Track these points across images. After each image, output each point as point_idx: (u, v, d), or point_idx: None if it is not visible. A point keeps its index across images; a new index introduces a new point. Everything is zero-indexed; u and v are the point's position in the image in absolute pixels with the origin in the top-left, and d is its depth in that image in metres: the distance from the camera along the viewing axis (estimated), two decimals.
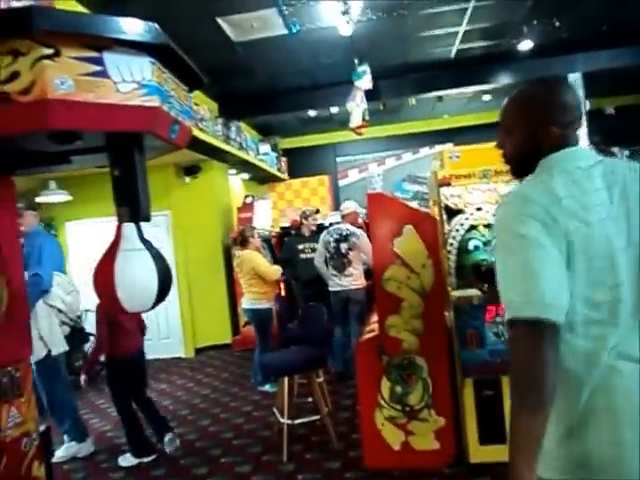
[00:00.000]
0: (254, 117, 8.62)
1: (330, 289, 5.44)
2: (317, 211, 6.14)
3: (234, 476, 3.59)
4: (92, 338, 6.79)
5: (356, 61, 6.32)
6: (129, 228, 1.69)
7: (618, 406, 1.13)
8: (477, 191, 3.46)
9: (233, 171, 8.54)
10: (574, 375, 1.15)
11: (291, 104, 7.87)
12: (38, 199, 6.70)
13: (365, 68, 6.31)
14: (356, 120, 6.38)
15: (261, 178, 9.95)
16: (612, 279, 1.14)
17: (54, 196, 6.78)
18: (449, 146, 7.48)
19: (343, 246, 5.31)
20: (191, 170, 7.50)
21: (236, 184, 8.99)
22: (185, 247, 7.59)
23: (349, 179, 10.80)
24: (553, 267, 1.11)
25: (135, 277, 1.66)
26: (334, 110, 8.61)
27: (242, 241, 5.39)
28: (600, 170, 1.21)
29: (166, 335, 7.67)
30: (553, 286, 1.10)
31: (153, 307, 1.73)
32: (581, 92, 6.86)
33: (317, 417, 3.98)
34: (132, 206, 1.69)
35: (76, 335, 6.50)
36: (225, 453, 3.99)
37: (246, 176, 9.34)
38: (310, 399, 4.38)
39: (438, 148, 9.41)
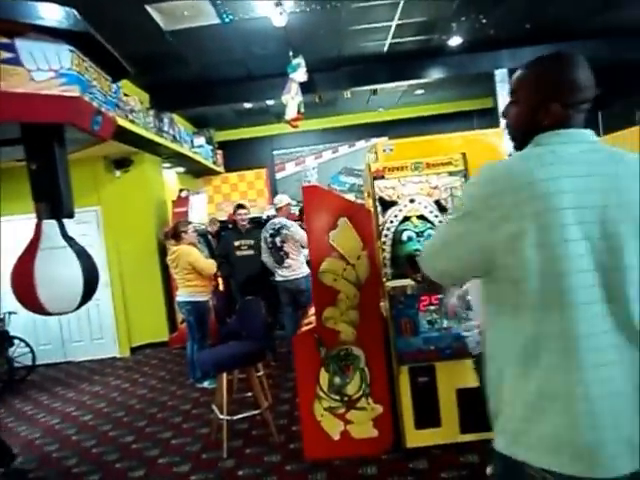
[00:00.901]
0: (188, 109, 8.40)
1: (275, 280, 5.46)
2: (239, 206, 6.06)
3: (172, 476, 3.52)
4: (17, 342, 6.47)
5: (291, 53, 6.29)
6: (50, 225, 1.61)
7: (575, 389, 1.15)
8: (410, 183, 3.54)
9: (167, 164, 8.30)
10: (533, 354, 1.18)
11: (226, 96, 7.74)
12: None
13: (300, 60, 6.29)
14: (291, 112, 6.36)
15: (196, 171, 9.74)
16: (564, 266, 1.14)
17: None
18: (383, 139, 7.60)
19: (277, 239, 5.34)
20: (122, 163, 7.22)
21: (170, 178, 8.75)
22: (117, 243, 7.32)
23: (286, 172, 10.77)
24: (466, 249, 1.25)
25: (58, 276, 1.57)
26: (270, 102, 8.54)
27: (176, 236, 5.27)
28: (590, 157, 1.20)
29: (99, 335, 7.38)
30: (453, 264, 1.31)
31: (79, 307, 1.65)
32: (506, 88, 7.15)
33: (257, 411, 3.97)
34: (53, 202, 1.60)
35: None
36: (163, 454, 3.90)
37: (181, 169, 9.11)
38: (248, 394, 4.35)
39: (373, 141, 9.56)
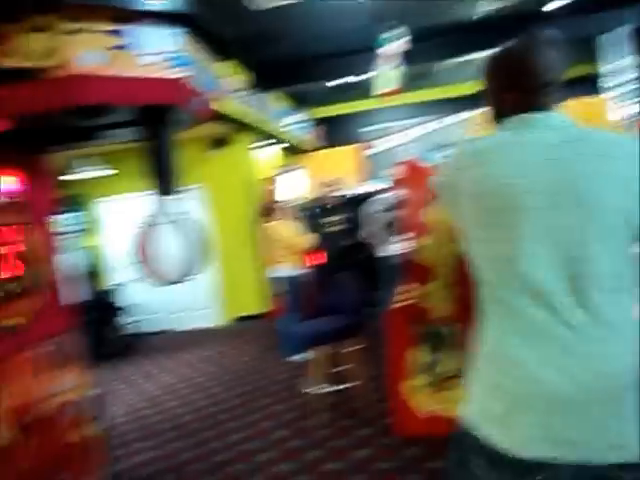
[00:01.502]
0: (284, 87, 8.52)
1: (382, 255, 5.44)
2: (327, 183, 6.09)
3: (270, 441, 3.69)
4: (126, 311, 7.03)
5: (382, 26, 6.15)
6: (162, 201, 1.72)
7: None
8: None
9: (264, 142, 8.52)
10: None
11: (319, 72, 7.75)
12: (75, 176, 6.87)
13: (392, 33, 6.14)
14: (384, 87, 6.25)
15: (292, 149, 9.91)
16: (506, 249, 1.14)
17: (89, 172, 6.93)
18: (477, 112, 7.27)
19: (391, 214, 5.29)
20: (222, 142, 7.51)
21: (268, 155, 8.98)
22: (218, 219, 7.67)
23: (378, 148, 10.65)
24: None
25: (169, 249, 1.69)
26: (364, 77, 8.45)
27: (270, 212, 5.41)
28: (548, 140, 1.16)
29: (200, 306, 7.84)
30: None
31: (187, 278, 1.77)
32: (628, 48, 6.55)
33: (349, 385, 4.04)
34: (163, 180, 1.71)
35: (112, 308, 6.76)
36: (263, 418, 4.11)
37: (277, 147, 9.31)
38: (342, 368, 4.44)
39: (466, 114, 9.19)
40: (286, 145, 9.29)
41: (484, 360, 1.24)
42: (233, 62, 7.00)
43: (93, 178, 7.19)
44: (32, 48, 1.43)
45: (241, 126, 7.14)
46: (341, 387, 4.07)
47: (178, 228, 1.72)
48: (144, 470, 3.49)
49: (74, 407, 2.25)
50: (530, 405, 1.11)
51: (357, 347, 4.39)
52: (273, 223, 5.39)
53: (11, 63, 1.43)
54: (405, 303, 3.42)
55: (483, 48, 7.22)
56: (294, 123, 9.01)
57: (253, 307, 7.76)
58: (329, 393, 4.10)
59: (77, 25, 1.41)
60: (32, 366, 2.03)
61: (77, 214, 7.70)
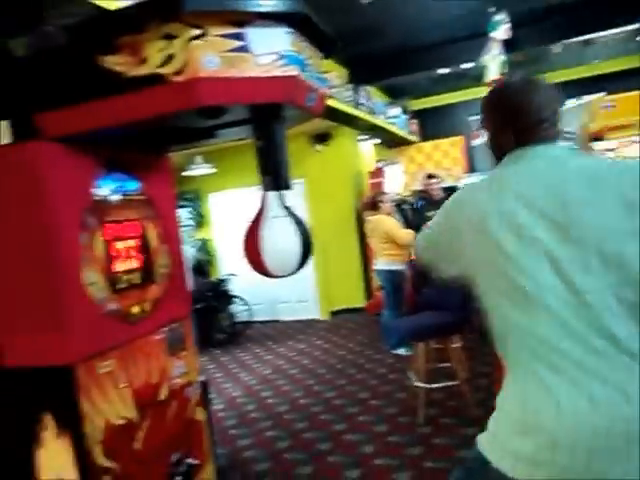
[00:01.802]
0: (383, 80, 8.46)
1: None
2: (430, 176, 5.94)
3: (371, 434, 3.71)
4: (237, 300, 7.37)
5: (491, 10, 5.88)
6: (272, 196, 1.78)
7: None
8: (636, 144, 3.09)
9: (363, 137, 8.53)
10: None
11: (422, 63, 7.60)
12: (185, 173, 7.31)
13: (502, 17, 5.86)
14: (492, 74, 5.98)
15: (391, 142, 9.83)
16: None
17: (199, 170, 7.34)
18: (599, 95, 6.72)
19: None
20: (322, 138, 7.64)
21: (367, 149, 8.99)
22: (319, 213, 7.81)
23: (482, 139, 10.22)
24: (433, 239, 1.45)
25: (279, 243, 1.75)
26: (467, 66, 8.15)
27: (373, 205, 5.41)
28: (538, 170, 1.20)
29: (303, 298, 8.04)
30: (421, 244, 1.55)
31: (296, 271, 1.82)
32: None
33: (454, 383, 3.95)
34: (274, 175, 1.77)
35: (222, 297, 7.12)
36: (362, 412, 4.13)
37: (376, 141, 9.28)
38: (446, 364, 4.34)
39: (586, 98, 8.52)
40: (386, 138, 9.23)
41: (511, 395, 1.23)
42: (334, 57, 7.08)
43: (203, 175, 7.60)
44: (159, 55, 1.53)
45: (343, 120, 7.20)
46: (444, 384, 3.99)
47: (288, 222, 1.76)
48: (241, 455, 3.65)
49: (186, 391, 2.40)
50: (563, 441, 1.05)
51: (462, 344, 4.28)
52: (377, 216, 5.38)
53: (142, 71, 1.54)
54: None
55: (594, 29, 6.71)
56: (394, 116, 8.92)
57: (352, 300, 7.82)
58: (432, 390, 4.04)
59: (198, 31, 1.49)
60: (151, 351, 2.19)
61: (190, 209, 8.20)
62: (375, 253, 5.51)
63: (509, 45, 6.18)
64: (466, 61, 7.77)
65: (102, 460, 1.87)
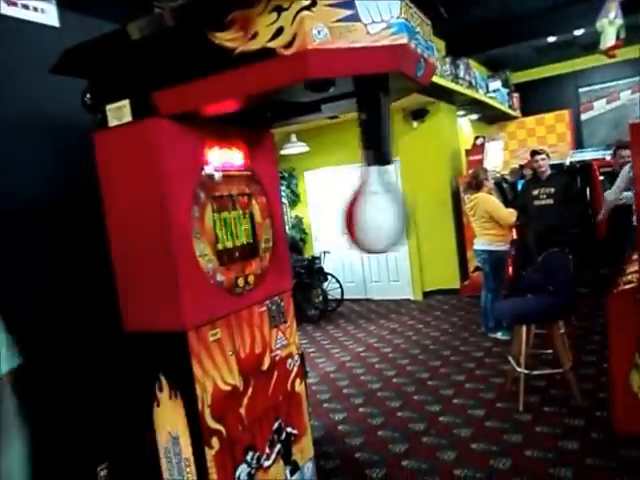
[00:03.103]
0: (483, 52, 8.07)
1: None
2: (536, 152, 5.55)
3: (467, 418, 3.62)
4: (329, 277, 7.46)
5: None
6: (373, 171, 1.75)
7: None
8: None
9: (461, 112, 8.21)
10: None
11: (527, 32, 7.15)
12: (282, 151, 7.44)
13: None
14: (609, 40, 5.47)
15: (491, 117, 9.38)
16: None
17: (294, 148, 7.44)
18: None
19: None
20: (419, 114, 7.43)
21: (464, 125, 8.64)
22: (413, 192, 7.64)
23: (594, 111, 9.45)
24: None
25: (379, 219, 1.72)
26: (577, 32, 7.55)
27: (476, 184, 5.18)
28: None
29: (395, 278, 7.97)
30: None
31: (394, 248, 1.79)
32: None
33: (558, 370, 3.75)
34: (376, 149, 1.73)
35: (316, 274, 7.23)
36: (457, 394, 4.05)
37: (474, 116, 8.91)
38: (547, 351, 4.13)
39: None
40: (486, 113, 8.82)
41: None
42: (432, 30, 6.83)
43: (297, 154, 7.70)
44: (269, 29, 1.53)
45: (440, 95, 6.96)
46: (547, 371, 3.79)
47: (388, 198, 1.73)
48: (335, 429, 3.70)
49: (287, 363, 2.46)
50: None
51: (567, 329, 4.04)
52: (479, 194, 5.16)
53: (252, 46, 1.55)
54: (633, 284, 3.02)
55: None
56: (494, 90, 8.48)
57: (446, 281, 7.63)
58: (533, 376, 3.86)
59: (308, 1, 1.48)
60: (254, 322, 2.26)
61: (284, 187, 8.36)
62: (475, 232, 5.29)
63: (628, 6, 5.61)
64: (576, 27, 7.20)
65: (211, 422, 1.97)
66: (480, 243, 5.20)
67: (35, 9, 2.32)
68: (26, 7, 2.29)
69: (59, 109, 2.30)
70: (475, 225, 5.27)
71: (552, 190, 5.38)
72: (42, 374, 2.19)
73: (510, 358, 3.87)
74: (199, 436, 1.94)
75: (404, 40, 1.55)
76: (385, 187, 1.80)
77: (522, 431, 3.32)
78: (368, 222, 1.75)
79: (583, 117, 9.53)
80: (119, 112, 1.93)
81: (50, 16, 2.38)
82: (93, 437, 2.34)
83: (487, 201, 5.07)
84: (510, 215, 5.04)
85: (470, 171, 6.05)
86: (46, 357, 2.20)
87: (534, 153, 5.58)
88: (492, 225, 5.05)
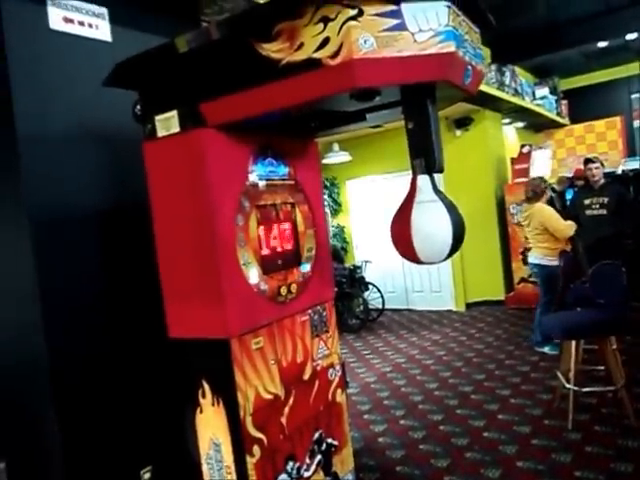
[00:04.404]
0: (530, 58, 7.90)
1: None
2: (589, 160, 5.33)
3: (512, 434, 3.50)
4: (370, 287, 7.41)
5: None
6: (424, 180, 1.72)
7: None
8: None
9: (506, 120, 8.05)
10: None
11: (576, 37, 6.96)
12: (324, 161, 7.46)
13: None
14: None
15: (537, 125, 9.16)
16: None
17: (337, 157, 7.45)
18: None
19: None
20: (462, 122, 7.32)
21: (509, 134, 8.46)
22: (456, 201, 7.51)
23: None
24: None
25: (430, 228, 1.69)
26: (631, 36, 7.30)
27: (536, 194, 4.98)
28: None
29: (437, 288, 7.85)
30: None
31: (446, 258, 1.75)
32: None
33: (609, 388, 3.59)
34: (426, 157, 1.71)
35: (357, 284, 7.20)
36: (502, 410, 3.92)
37: (520, 124, 8.71)
38: (598, 367, 3.97)
39: None
40: (532, 121, 8.61)
41: None
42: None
43: (339, 163, 7.71)
44: (315, 40, 1.54)
45: (485, 103, 6.84)
46: (598, 389, 3.64)
47: (440, 206, 1.70)
48: (375, 441, 3.63)
49: (328, 373, 2.45)
50: None
51: (619, 345, 3.87)
52: (536, 205, 4.97)
53: (298, 57, 1.56)
54: None
55: None
56: (541, 97, 8.28)
57: (490, 292, 7.46)
58: (582, 393, 3.71)
59: (354, 11, 1.47)
60: (296, 331, 2.26)
61: (326, 196, 8.39)
62: (531, 244, 5.09)
63: None
64: (629, 31, 6.96)
65: (253, 430, 1.98)
66: (533, 256, 5.00)
67: (90, 25, 2.42)
68: (82, 24, 2.39)
69: (112, 121, 2.38)
70: (530, 237, 5.08)
71: (605, 200, 5.17)
72: (89, 379, 2.25)
73: (558, 373, 3.73)
74: (240, 444, 1.94)
75: (452, 48, 1.53)
76: (437, 195, 1.76)
77: (571, 451, 3.19)
78: (419, 231, 1.71)
79: (636, 124, 9.18)
80: (167, 123, 1.98)
81: (103, 32, 2.48)
82: (137, 441, 2.38)
83: (543, 212, 4.87)
84: (567, 228, 4.79)
85: (528, 180, 5.80)
86: (93, 363, 2.27)
87: (587, 161, 5.37)
88: (546, 237, 4.83)
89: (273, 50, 1.64)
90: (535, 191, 5.01)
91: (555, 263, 4.87)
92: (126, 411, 2.35)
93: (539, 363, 4.88)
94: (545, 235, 4.84)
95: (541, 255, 4.91)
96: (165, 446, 2.42)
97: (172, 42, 1.90)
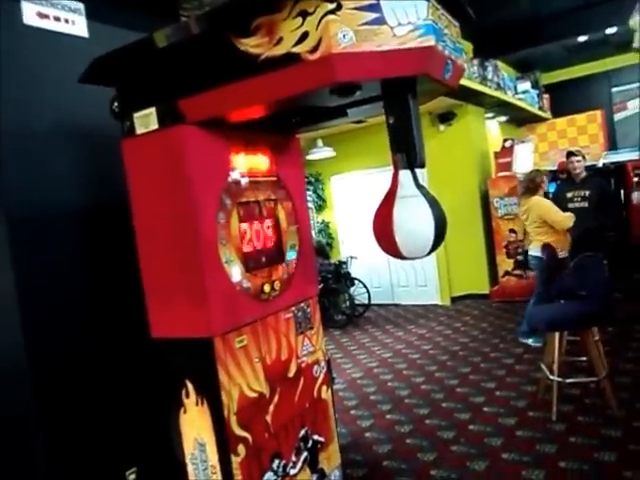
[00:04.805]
0: (512, 53, 7.93)
1: None
2: (571, 153, 5.36)
3: (498, 427, 3.53)
4: (356, 282, 7.42)
5: None
6: (405, 175, 1.72)
7: None
8: None
9: (489, 114, 8.09)
10: None
11: (557, 31, 7.00)
12: (308, 157, 7.44)
13: None
14: None
15: (519, 119, 9.22)
16: None
17: (320, 153, 7.43)
18: None
19: None
20: (446, 117, 7.33)
21: (492, 128, 8.51)
22: (440, 196, 7.50)
23: (628, 111, 9.19)
24: None
25: (412, 223, 1.68)
26: (610, 31, 7.37)
27: (533, 187, 4.97)
28: None
29: (423, 283, 7.88)
30: None
31: (429, 253, 1.74)
32: None
33: (592, 379, 3.63)
34: (408, 152, 1.70)
35: (343, 279, 7.21)
36: (487, 402, 3.95)
37: (503, 118, 8.76)
38: (581, 358, 4.01)
39: None
40: (515, 115, 8.67)
41: None
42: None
43: (323, 158, 7.70)
44: (294, 34, 1.52)
45: (468, 98, 6.86)
46: (581, 379, 3.68)
47: (422, 201, 1.69)
48: (362, 436, 3.64)
49: (314, 369, 2.44)
50: None
51: (601, 336, 3.92)
52: (533, 198, 4.94)
53: (277, 51, 1.55)
54: None
55: None
56: (523, 91, 8.32)
57: (475, 286, 7.51)
58: (566, 384, 3.75)
59: (333, 5, 1.46)
60: (280, 329, 2.25)
61: (310, 192, 8.37)
62: (529, 237, 5.07)
63: None
64: (609, 26, 7.02)
65: (237, 429, 1.96)
66: (532, 249, 4.98)
67: (66, 21, 2.37)
68: (57, 19, 2.34)
69: (89, 118, 2.34)
70: (529, 230, 5.06)
71: (587, 193, 5.21)
72: (71, 380, 2.21)
73: (542, 365, 3.77)
74: (225, 443, 1.93)
75: (431, 42, 1.52)
76: (419, 190, 1.76)
77: (556, 441, 3.22)
78: (401, 227, 1.70)
79: (616, 117, 9.27)
80: (146, 120, 1.95)
81: (79, 27, 2.43)
82: (122, 442, 2.36)
83: (540, 205, 4.85)
84: (566, 219, 4.77)
85: (524, 174, 5.75)
86: (75, 363, 2.23)
87: (570, 154, 5.41)
88: (545, 230, 4.80)
89: (252, 45, 1.62)
90: (532, 184, 5.00)
91: (559, 254, 4.80)
92: (110, 412, 2.32)
93: (523, 355, 4.93)
94: (544, 227, 4.82)
95: (541, 247, 4.86)
96: (150, 447, 2.40)
97: (150, 37, 1.87)
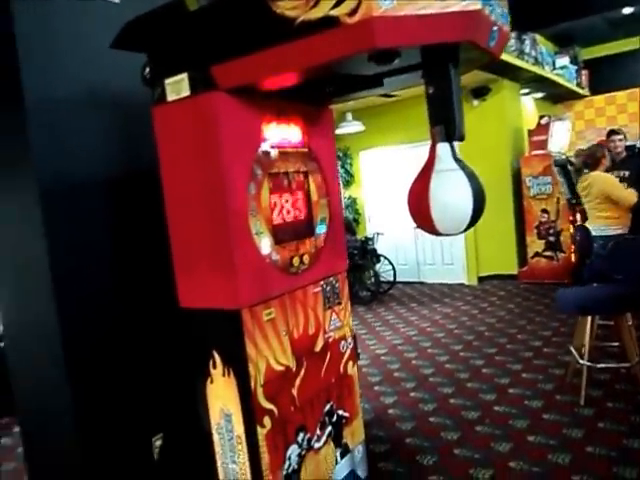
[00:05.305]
0: (551, 26, 7.61)
1: None
2: (613, 132, 5.13)
3: (524, 409, 3.48)
4: (382, 259, 7.37)
5: None
6: (443, 148, 1.65)
7: None
8: None
9: (525, 90, 7.82)
10: None
11: (601, 2, 6.66)
12: (337, 131, 7.33)
13: None
14: None
15: (556, 96, 8.89)
16: None
17: (350, 127, 7.32)
18: None
19: None
20: (480, 92, 7.12)
21: (527, 104, 8.24)
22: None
23: None
24: None
25: (449, 198, 1.62)
26: None
27: (593, 162, 4.75)
28: None
29: (450, 261, 7.78)
30: None
31: (466, 229, 1.68)
32: None
33: (623, 365, 3.55)
34: (447, 125, 1.62)
35: (368, 255, 7.16)
36: (513, 384, 3.90)
37: (538, 95, 8.47)
38: (613, 343, 3.91)
39: None
40: (552, 92, 8.37)
41: None
42: None
43: (352, 133, 7.58)
44: None
45: (504, 72, 6.63)
46: (612, 365, 3.59)
47: (460, 176, 1.62)
48: (386, 413, 3.64)
49: (340, 345, 2.42)
50: None
51: (634, 321, 3.81)
52: (595, 173, 4.68)
53: (314, 15, 1.48)
54: None
55: None
56: (562, 67, 8.01)
57: (503, 266, 7.38)
58: (596, 369, 3.67)
59: None
60: (309, 303, 2.22)
61: (339, 166, 8.28)
62: (588, 215, 4.85)
63: None
64: None
65: (264, 402, 1.96)
66: (592, 227, 4.71)
67: None
68: None
69: (120, 86, 2.31)
70: (588, 207, 4.82)
71: (626, 173, 5.00)
72: (101, 347, 2.24)
73: (572, 349, 3.69)
74: (251, 414, 1.93)
75: (477, 6, 1.43)
76: (457, 164, 1.68)
77: (583, 426, 3.16)
78: (438, 201, 1.64)
79: None
80: (177, 86, 1.91)
81: None
82: (149, 409, 2.39)
83: (605, 180, 4.60)
84: (631, 195, 4.51)
85: (584, 148, 5.52)
86: (104, 330, 2.26)
87: (611, 132, 5.18)
88: (607, 207, 4.54)
89: (288, 7, 1.55)
90: (591, 160, 4.76)
91: (620, 231, 4.56)
92: (138, 379, 2.35)
93: (551, 338, 4.84)
94: (606, 204, 4.55)
95: (604, 225, 4.65)
96: (176, 415, 2.43)
97: (180, 0, 1.81)
